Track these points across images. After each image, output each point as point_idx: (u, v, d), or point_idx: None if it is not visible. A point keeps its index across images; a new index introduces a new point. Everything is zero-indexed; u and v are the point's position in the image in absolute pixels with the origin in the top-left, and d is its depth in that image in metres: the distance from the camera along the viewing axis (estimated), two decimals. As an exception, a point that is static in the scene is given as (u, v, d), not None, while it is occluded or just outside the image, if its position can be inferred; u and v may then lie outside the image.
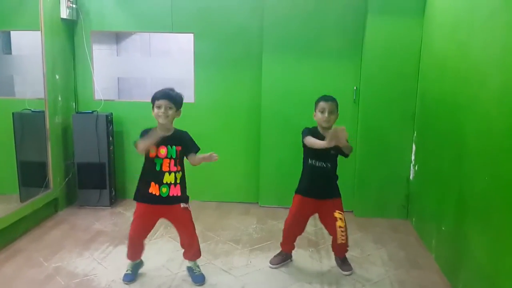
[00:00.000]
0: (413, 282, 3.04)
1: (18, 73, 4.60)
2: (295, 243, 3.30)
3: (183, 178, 2.87)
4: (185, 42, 4.77)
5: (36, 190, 4.02)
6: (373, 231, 3.94)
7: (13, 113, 4.07)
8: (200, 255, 3.05)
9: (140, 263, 3.08)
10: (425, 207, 3.71)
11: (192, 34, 4.38)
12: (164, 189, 2.78)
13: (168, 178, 2.78)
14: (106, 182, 4.32)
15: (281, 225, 3.94)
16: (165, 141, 2.76)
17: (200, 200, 4.58)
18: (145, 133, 2.76)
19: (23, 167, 4.17)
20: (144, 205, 2.85)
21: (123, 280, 2.94)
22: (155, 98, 2.74)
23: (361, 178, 4.28)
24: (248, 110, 4.46)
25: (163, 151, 2.75)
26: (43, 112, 4.03)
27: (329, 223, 3.13)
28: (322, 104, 2.99)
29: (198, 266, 3.03)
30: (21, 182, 4.16)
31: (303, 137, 3.00)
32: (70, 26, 4.36)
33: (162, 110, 2.70)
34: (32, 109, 4.13)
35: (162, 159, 2.76)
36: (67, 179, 4.33)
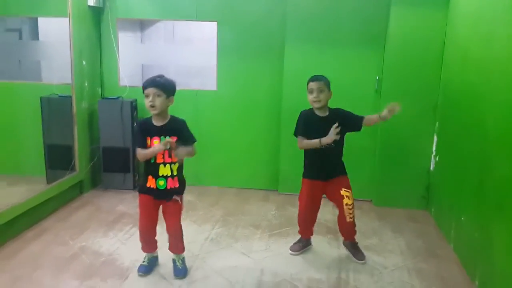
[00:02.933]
0: (430, 272, 3.06)
1: (45, 59, 4.72)
2: (313, 228, 3.34)
3: (180, 169, 2.76)
4: (207, 30, 4.82)
5: (62, 172, 4.16)
6: (391, 221, 3.96)
7: (41, 98, 4.19)
8: (183, 251, 2.96)
9: (157, 259, 3.03)
10: (445, 198, 3.71)
11: (215, 23, 4.43)
12: (161, 182, 2.72)
13: (163, 170, 2.69)
14: (130, 166, 4.43)
15: (300, 212, 4.04)
16: (159, 132, 2.67)
17: (220, 186, 4.67)
18: (139, 130, 2.73)
19: (49, 150, 4.30)
20: (146, 196, 2.80)
21: (138, 270, 2.90)
22: (143, 87, 2.62)
23: (381, 168, 4.29)
24: (270, 98, 4.50)
25: (156, 142, 2.64)
26: (70, 97, 4.14)
27: (336, 202, 3.14)
28: (310, 84, 2.99)
29: (181, 260, 2.95)
30: (48, 164, 4.30)
31: (295, 133, 3.09)
32: (97, 14, 4.46)
33: (150, 98, 2.58)
34: (59, 94, 4.25)
35: None
36: (92, 162, 4.46)
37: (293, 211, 4.09)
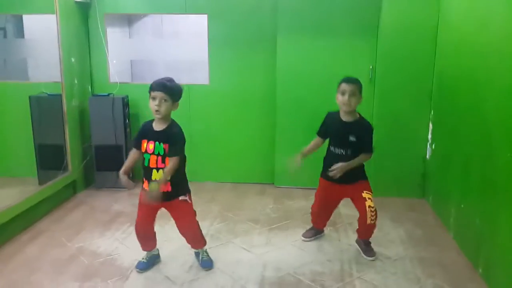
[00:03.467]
0: (432, 260, 3.06)
1: (31, 57, 4.61)
2: (327, 222, 3.35)
3: (175, 174, 2.66)
4: (196, 24, 4.75)
5: (53, 173, 4.07)
6: (390, 210, 3.95)
7: (29, 97, 4.09)
8: (205, 243, 2.98)
9: (157, 256, 3.02)
10: (443, 185, 3.71)
11: (205, 15, 4.36)
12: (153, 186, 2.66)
13: (156, 175, 2.64)
14: (124, 164, 4.33)
15: (297, 205, 4.05)
16: (155, 136, 2.64)
17: (216, 181, 4.62)
18: (141, 130, 2.72)
19: (40, 151, 4.21)
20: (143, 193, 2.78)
21: (136, 267, 2.88)
22: (151, 88, 2.59)
23: (377, 158, 4.24)
24: (264, 91, 4.45)
25: (151, 146, 2.63)
26: (59, 95, 4.05)
27: (358, 204, 3.05)
28: (343, 86, 2.89)
29: (205, 252, 2.99)
30: (39, 165, 4.21)
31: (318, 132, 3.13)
32: (84, 9, 4.36)
33: (157, 102, 2.55)
34: (49, 93, 4.16)
35: (150, 154, 2.63)
36: (85, 161, 4.38)
37: (291, 204, 4.08)
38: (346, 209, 3.74)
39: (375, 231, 3.11)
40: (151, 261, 2.95)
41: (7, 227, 3.23)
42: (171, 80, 2.64)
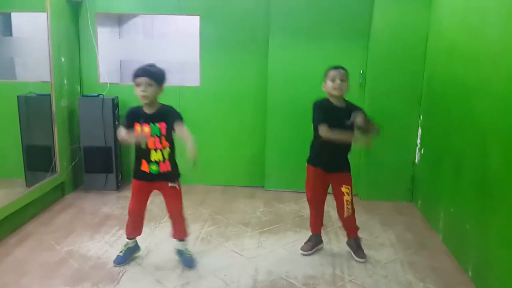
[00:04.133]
0: (423, 264, 3.09)
1: (19, 56, 4.54)
2: (323, 221, 3.31)
3: (171, 154, 2.82)
4: (187, 25, 4.73)
5: (41, 174, 4.01)
6: (379, 214, 3.98)
7: (18, 97, 4.02)
8: (187, 236, 3.04)
9: (136, 248, 3.05)
10: (432, 189, 3.76)
11: (198, 16, 4.34)
12: (153, 167, 2.78)
13: (155, 156, 2.75)
14: (113, 166, 4.30)
15: (287, 208, 4.06)
16: (148, 119, 2.73)
17: (206, 184, 4.60)
18: (130, 113, 2.77)
19: (28, 151, 4.14)
20: (138, 181, 2.87)
21: (114, 262, 2.94)
22: (134, 75, 2.67)
23: (366, 162, 4.31)
24: (254, 93, 4.45)
25: (146, 129, 2.71)
26: (48, 95, 3.98)
27: (336, 197, 3.12)
28: (332, 72, 2.93)
29: (187, 249, 3.03)
30: (27, 166, 4.14)
31: (316, 121, 2.95)
32: (75, 8, 4.30)
33: (142, 87, 2.63)
34: (37, 92, 4.09)
35: (147, 138, 2.72)
36: (73, 163, 4.31)
37: (281, 208, 4.08)
38: (336, 213, 3.75)
39: (358, 228, 3.22)
40: (129, 254, 3.00)
41: (-6, 230, 3.18)
42: (152, 65, 2.73)
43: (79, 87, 4.43)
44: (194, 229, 3.56)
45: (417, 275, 2.93)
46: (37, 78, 4.21)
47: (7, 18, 4.44)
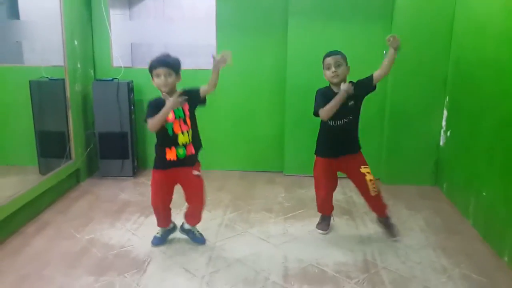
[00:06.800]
0: (456, 249, 2.99)
1: (27, 39, 4.39)
2: (332, 204, 3.25)
3: (195, 134, 2.81)
4: (199, 7, 4.56)
5: (55, 161, 3.90)
6: (403, 198, 3.88)
7: (30, 81, 3.90)
8: (200, 221, 3.04)
9: (173, 228, 3.09)
10: (459, 173, 3.64)
11: (214, -3, 4.19)
12: (181, 151, 2.74)
13: (182, 139, 2.74)
14: (129, 152, 4.19)
15: (309, 193, 3.94)
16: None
17: (223, 169, 4.50)
18: (153, 104, 2.67)
19: (41, 138, 4.03)
20: (159, 171, 2.82)
21: (152, 242, 2.98)
22: (152, 67, 2.68)
23: (389, 145, 4.19)
24: (273, 76, 4.32)
25: (170, 115, 2.67)
26: (61, 80, 3.86)
27: (357, 180, 3.05)
28: (327, 60, 2.88)
29: (196, 228, 3.07)
30: (40, 153, 4.03)
31: (316, 109, 2.90)
32: (87, -10, 4.16)
33: (162, 78, 2.65)
34: (50, 77, 3.96)
35: (172, 122, 2.69)
36: (88, 149, 4.20)
37: (303, 193, 3.98)
38: (360, 198, 3.64)
39: (387, 206, 3.13)
40: (166, 235, 3.05)
41: (11, 219, 3.07)
42: (167, 55, 2.74)
43: (92, 71, 4.30)
44: (216, 215, 3.46)
45: (451, 261, 2.83)
46: (46, 62, 4.08)
47: (14, 1, 4.28)
